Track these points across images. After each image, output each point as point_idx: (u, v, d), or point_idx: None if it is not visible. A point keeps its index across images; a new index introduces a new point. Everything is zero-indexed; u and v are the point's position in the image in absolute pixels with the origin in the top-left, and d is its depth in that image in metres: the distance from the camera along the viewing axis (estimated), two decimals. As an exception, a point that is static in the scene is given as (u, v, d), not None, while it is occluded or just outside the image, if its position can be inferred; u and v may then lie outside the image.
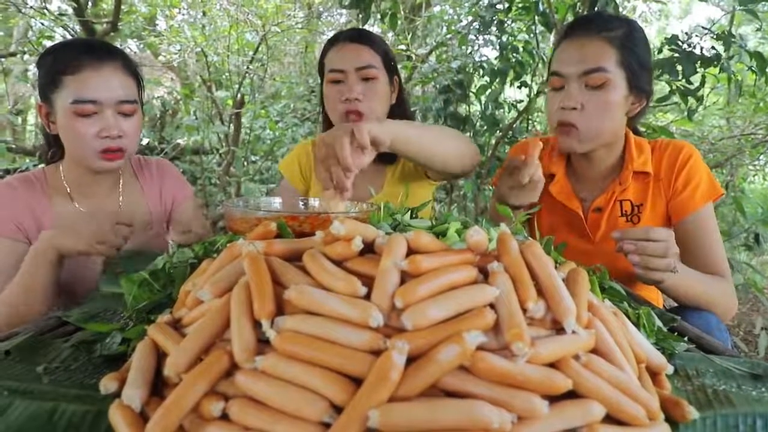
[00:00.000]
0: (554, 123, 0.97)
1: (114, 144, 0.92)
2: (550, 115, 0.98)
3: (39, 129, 1.08)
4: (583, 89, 0.93)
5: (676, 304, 0.92)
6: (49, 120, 0.95)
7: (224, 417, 0.38)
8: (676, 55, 1.61)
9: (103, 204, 1.04)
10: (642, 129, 1.29)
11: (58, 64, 0.90)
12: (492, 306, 0.42)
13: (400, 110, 1.20)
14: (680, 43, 1.62)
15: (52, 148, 1.03)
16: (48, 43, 3.13)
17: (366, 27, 2.44)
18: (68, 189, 1.01)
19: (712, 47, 1.65)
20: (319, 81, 1.21)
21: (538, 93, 2.33)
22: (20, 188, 0.97)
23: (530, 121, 2.76)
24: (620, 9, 1.70)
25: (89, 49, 0.91)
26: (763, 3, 1.53)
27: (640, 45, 0.95)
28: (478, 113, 2.59)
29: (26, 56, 3.34)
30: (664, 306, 1.11)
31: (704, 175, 0.98)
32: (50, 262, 0.83)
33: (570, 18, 2.00)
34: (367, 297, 0.41)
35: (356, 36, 1.14)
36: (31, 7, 3.07)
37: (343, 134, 0.69)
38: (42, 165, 1.08)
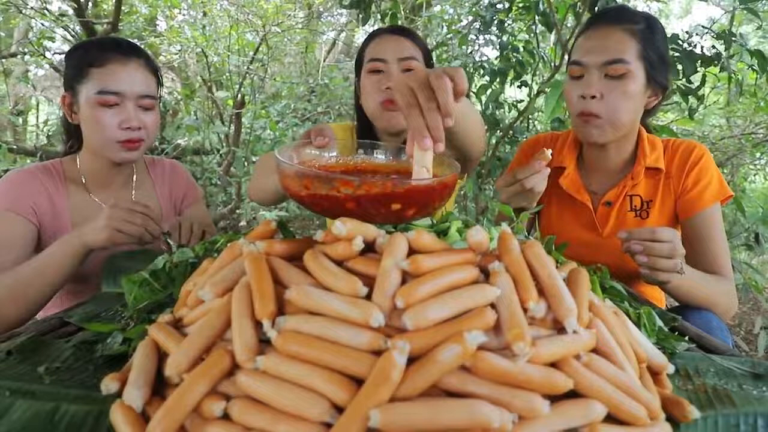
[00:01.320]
0: (574, 112, 0.98)
1: (135, 135, 0.97)
2: (570, 104, 0.99)
3: (60, 121, 1.14)
4: (603, 79, 0.94)
5: (678, 304, 0.92)
6: (71, 110, 0.99)
7: (225, 417, 0.38)
8: (677, 54, 1.61)
9: (116, 196, 1.07)
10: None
11: (86, 57, 0.96)
12: (493, 306, 0.42)
13: None
14: (681, 42, 1.62)
15: (71, 139, 1.06)
16: (48, 44, 3.15)
17: (366, 27, 2.44)
18: (84, 180, 1.04)
19: (713, 46, 1.65)
20: (355, 75, 1.21)
21: (539, 93, 2.33)
22: (40, 175, 1.00)
23: (530, 121, 2.75)
24: (620, 8, 1.69)
25: (117, 46, 0.98)
26: (764, 2, 1.53)
27: (660, 39, 0.96)
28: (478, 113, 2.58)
29: (27, 57, 3.35)
30: (667, 306, 1.11)
31: (714, 175, 0.99)
32: (74, 253, 0.84)
33: (570, 18, 2.00)
34: (368, 297, 0.42)
35: (398, 30, 1.15)
36: (32, 8, 3.07)
37: (443, 75, 0.54)
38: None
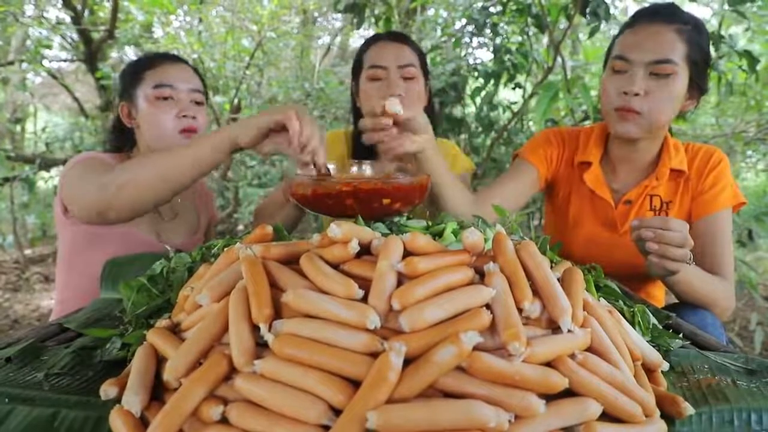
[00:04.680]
0: (611, 106, 0.97)
1: (192, 123, 1.05)
2: (607, 98, 0.98)
3: (107, 131, 1.19)
4: (648, 77, 0.93)
5: (673, 302, 0.93)
6: (130, 117, 1.09)
7: (224, 421, 0.38)
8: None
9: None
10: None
11: (139, 66, 1.07)
12: (488, 306, 0.42)
13: (429, 112, 1.21)
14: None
15: (126, 143, 1.12)
16: (46, 52, 3.15)
17: (361, 31, 2.46)
18: None
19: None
20: (352, 78, 1.22)
21: (532, 94, 2.34)
22: (108, 159, 1.04)
23: (525, 122, 2.77)
24: (611, 9, 1.71)
25: (165, 55, 1.12)
26: (751, 4, 1.55)
27: (705, 43, 0.96)
28: (473, 115, 2.60)
29: (24, 65, 3.35)
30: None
31: (730, 182, 1.00)
32: (222, 147, 0.80)
33: (563, 19, 2.01)
34: (365, 299, 0.42)
35: (397, 36, 1.18)
36: (29, 17, 3.08)
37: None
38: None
